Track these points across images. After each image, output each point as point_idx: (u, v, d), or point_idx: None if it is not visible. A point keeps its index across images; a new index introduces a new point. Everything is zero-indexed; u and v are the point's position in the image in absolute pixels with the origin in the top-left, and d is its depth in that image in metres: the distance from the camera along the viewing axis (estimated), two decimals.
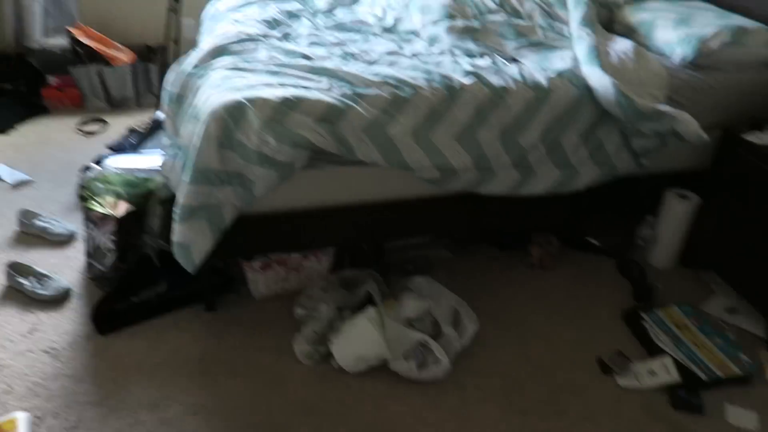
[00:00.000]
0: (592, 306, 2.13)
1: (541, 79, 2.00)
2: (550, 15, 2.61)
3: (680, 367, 1.82)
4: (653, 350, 1.91)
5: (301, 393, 1.73)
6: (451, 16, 2.62)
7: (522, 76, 2.02)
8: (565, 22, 2.51)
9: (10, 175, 2.77)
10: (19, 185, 2.72)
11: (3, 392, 1.69)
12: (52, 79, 3.48)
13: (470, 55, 2.23)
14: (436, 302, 1.86)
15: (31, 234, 2.37)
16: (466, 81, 1.94)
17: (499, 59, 2.17)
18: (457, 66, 2.07)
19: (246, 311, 2.02)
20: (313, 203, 1.92)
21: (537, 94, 1.95)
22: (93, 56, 3.45)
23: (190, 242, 1.79)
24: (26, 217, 2.39)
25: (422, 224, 2.09)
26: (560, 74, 2.03)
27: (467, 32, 2.44)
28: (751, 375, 1.85)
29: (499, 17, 2.60)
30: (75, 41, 3.43)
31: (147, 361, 1.80)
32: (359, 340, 1.76)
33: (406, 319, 1.82)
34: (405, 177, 1.92)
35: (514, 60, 2.19)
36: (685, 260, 2.33)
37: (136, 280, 2.02)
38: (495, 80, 1.96)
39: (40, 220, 2.37)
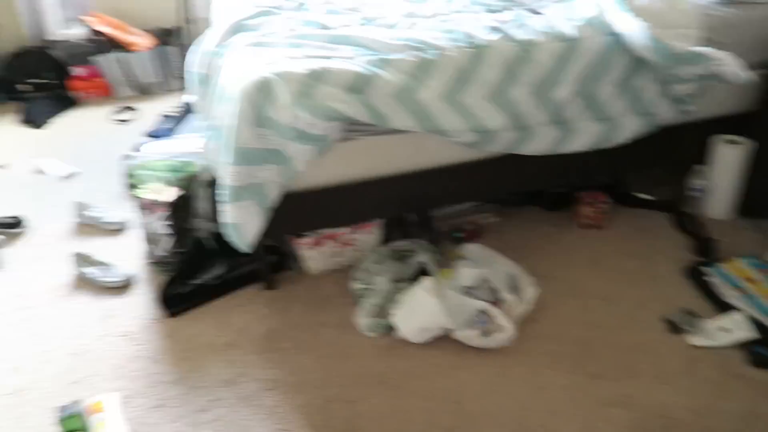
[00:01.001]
0: (650, 264, 2.10)
1: (568, 29, 1.95)
2: None
3: (754, 321, 1.76)
4: (721, 306, 1.86)
5: (369, 365, 1.79)
6: None
7: (548, 27, 1.97)
8: None
9: (57, 168, 2.87)
10: (66, 178, 2.83)
11: (90, 375, 1.83)
12: (77, 70, 3.53)
13: (491, 10, 2.19)
14: (491, 269, 1.89)
15: (87, 224, 2.48)
16: (491, 37, 1.90)
17: (522, 12, 2.12)
18: (479, 23, 2.02)
19: (304, 288, 2.09)
20: (355, 176, 1.95)
21: (565, 45, 1.91)
22: (112, 44, 3.48)
23: (240, 222, 1.85)
24: (80, 208, 2.49)
25: (466, 190, 2.11)
26: (587, 22, 1.97)
27: None
28: None
29: None
30: (93, 30, 3.46)
31: (217, 341, 1.91)
32: (419, 311, 1.80)
33: (464, 287, 1.85)
34: (443, 142, 1.92)
35: (536, 12, 2.15)
36: (744, 210, 2.26)
37: (195, 263, 2.12)
38: (520, 34, 1.92)
39: (93, 211, 2.47)
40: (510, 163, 2.04)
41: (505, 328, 1.77)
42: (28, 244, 2.41)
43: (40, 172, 2.88)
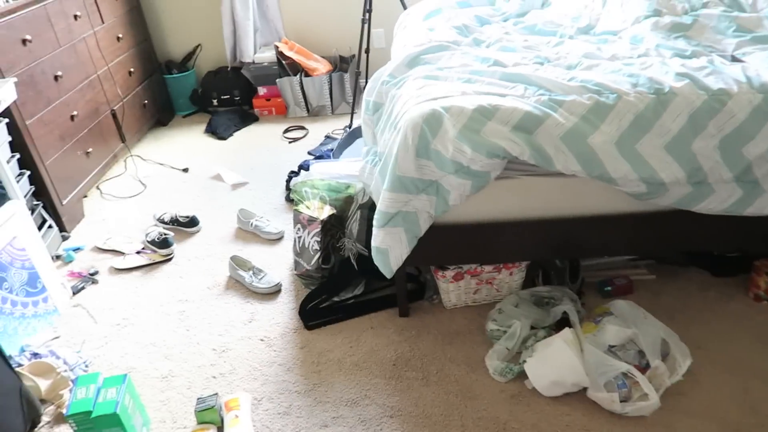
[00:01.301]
0: None
1: None
2: None
3: None
4: None
5: (493, 410, 1.72)
6: (656, 12, 2.43)
7: (746, 77, 1.78)
8: None
9: (230, 177, 3.15)
10: (237, 186, 3.09)
11: (228, 372, 1.94)
12: (262, 90, 3.89)
13: (681, 55, 2.04)
14: (640, 329, 1.73)
15: (247, 231, 2.68)
16: (678, 84, 1.77)
17: (717, 59, 1.95)
18: (666, 68, 1.90)
19: (437, 320, 2.07)
20: (507, 214, 1.89)
21: (766, 97, 1.71)
22: (295, 68, 3.78)
23: (387, 248, 1.87)
24: (244, 216, 2.70)
25: (624, 242, 1.95)
26: None
27: (676, 30, 2.24)
28: None
29: (716, 10, 2.34)
30: (280, 54, 3.79)
31: (347, 359, 1.94)
32: (555, 363, 1.70)
33: (607, 345, 1.72)
34: (606, 190, 1.81)
35: (735, 59, 1.95)
36: None
37: (338, 280, 2.18)
38: (712, 83, 1.76)
39: (254, 219, 2.66)
40: (678, 220, 1.86)
41: (649, 397, 1.60)
42: (196, 242, 2.66)
43: (217, 178, 3.19)
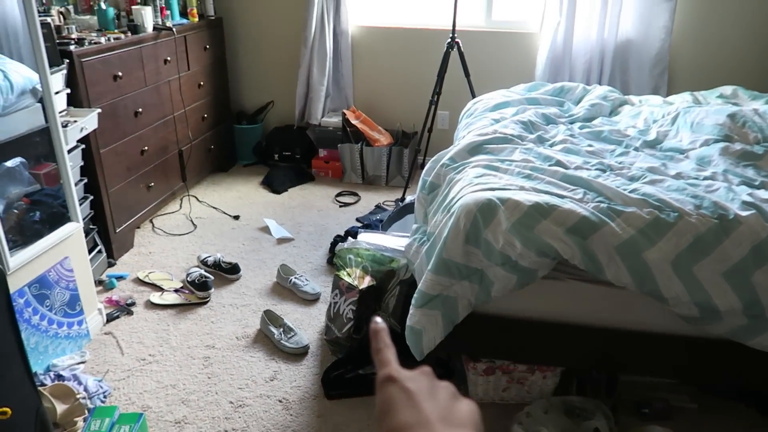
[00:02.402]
0: None
1: None
2: None
3: None
4: None
5: None
6: (727, 138, 2.41)
7: None
8: None
9: (277, 231, 3.20)
10: (282, 241, 3.13)
11: (241, 429, 1.90)
12: (322, 152, 4.01)
13: (749, 184, 2.00)
14: None
15: (284, 287, 2.69)
16: (744, 213, 1.73)
17: None
18: (733, 195, 1.86)
19: None
20: (550, 315, 1.85)
21: None
22: (358, 136, 3.89)
23: (422, 329, 1.84)
24: (284, 272, 2.72)
25: (669, 365, 1.87)
26: None
27: (746, 158, 2.21)
28: None
29: None
30: (346, 121, 3.92)
31: None
32: None
33: None
34: (656, 307, 1.75)
35: None
36: None
37: (366, 353, 2.14)
38: None
39: (294, 277, 2.67)
40: (730, 351, 1.76)
41: None
42: (233, 290, 2.68)
43: (265, 230, 3.25)
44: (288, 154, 4.13)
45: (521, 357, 1.92)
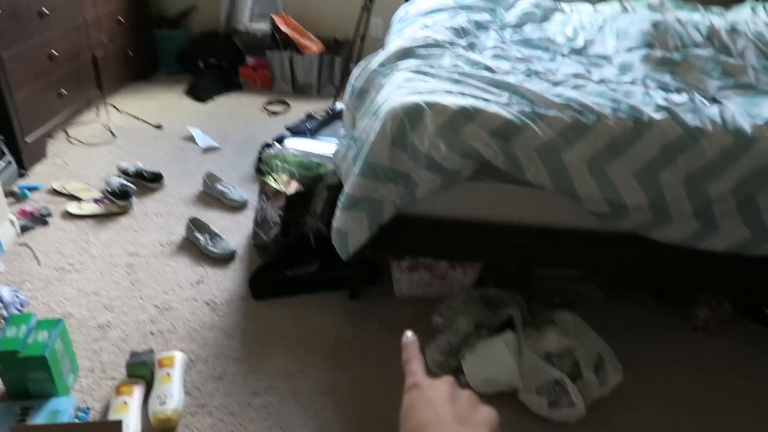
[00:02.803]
0: (759, 388, 1.87)
1: (746, 125, 1.79)
2: (766, 56, 2.35)
3: None
4: None
5: None
6: (649, 45, 2.47)
7: (722, 119, 1.82)
8: None
9: (203, 140, 3.09)
10: (208, 150, 3.04)
11: (168, 331, 1.90)
12: (250, 60, 3.84)
13: (665, 89, 2.07)
14: (579, 342, 1.75)
15: (211, 195, 2.63)
16: (657, 116, 1.80)
17: (698, 97, 1.99)
18: (649, 99, 1.93)
19: (385, 307, 2.06)
20: (470, 215, 1.90)
21: (738, 141, 1.75)
22: (288, 43, 3.74)
23: (348, 230, 1.86)
24: (210, 180, 2.65)
25: (579, 258, 1.98)
26: None
27: (665, 64, 2.28)
28: None
29: (705, 52, 2.40)
30: (275, 28, 3.74)
31: (289, 333, 1.92)
32: (492, 363, 1.71)
33: (545, 352, 1.74)
34: (570, 206, 1.83)
35: (715, 100, 2.00)
36: None
37: (293, 256, 2.16)
38: (690, 119, 1.79)
39: (220, 185, 2.62)
40: (635, 245, 1.89)
41: (576, 406, 1.63)
42: (157, 199, 2.60)
43: (190, 140, 3.13)
44: (214, 61, 3.93)
45: (444, 255, 1.98)
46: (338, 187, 2.18)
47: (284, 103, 3.64)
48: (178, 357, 1.74)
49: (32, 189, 2.62)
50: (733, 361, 1.96)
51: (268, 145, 2.89)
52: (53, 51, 2.86)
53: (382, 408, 1.69)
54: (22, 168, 2.71)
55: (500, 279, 2.12)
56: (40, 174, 2.75)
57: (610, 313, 2.11)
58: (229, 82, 3.83)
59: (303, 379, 1.75)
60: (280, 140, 2.88)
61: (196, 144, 3.07)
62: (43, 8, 2.75)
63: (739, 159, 1.75)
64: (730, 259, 1.88)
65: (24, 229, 2.36)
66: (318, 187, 2.24)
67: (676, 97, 1.98)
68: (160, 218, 2.47)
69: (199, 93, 3.64)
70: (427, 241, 1.94)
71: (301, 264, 2.15)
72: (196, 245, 2.29)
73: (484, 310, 1.93)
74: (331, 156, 2.34)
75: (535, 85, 1.97)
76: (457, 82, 1.95)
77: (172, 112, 3.44)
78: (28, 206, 2.50)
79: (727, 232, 1.83)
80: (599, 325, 1.92)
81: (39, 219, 2.43)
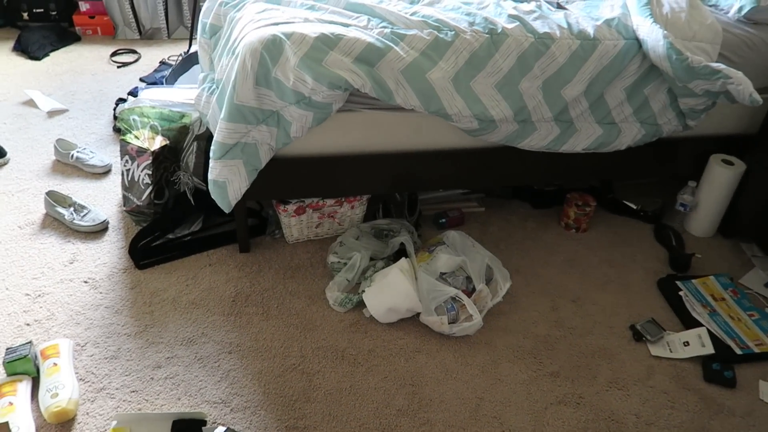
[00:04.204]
0: (626, 272, 2.09)
1: (588, 28, 1.90)
2: None
3: (714, 339, 1.79)
4: (688, 321, 1.88)
5: (332, 340, 1.75)
6: None
7: (568, 23, 1.92)
8: None
9: (45, 102, 2.78)
10: (53, 113, 2.74)
11: (45, 318, 1.76)
12: (84, 6, 3.43)
13: None
14: (469, 257, 1.85)
15: (66, 164, 2.40)
16: (509, 26, 1.85)
17: (545, 5, 2.07)
18: (500, 9, 1.97)
19: (279, 255, 2.04)
20: (349, 148, 1.89)
21: (583, 43, 1.86)
22: None
23: (225, 181, 1.79)
24: (62, 147, 2.41)
25: (458, 177, 2.06)
26: (608, 24, 1.93)
27: None
28: None
29: None
30: None
31: (182, 298, 1.85)
32: (391, 292, 1.76)
33: (439, 273, 1.82)
34: (443, 126, 1.88)
35: (560, 6, 2.09)
36: (726, 230, 2.27)
37: (173, 216, 2.05)
38: (539, 26, 1.87)
39: (76, 151, 2.39)
40: (505, 156, 2.01)
41: (473, 318, 1.75)
42: (3, 176, 2.33)
43: (29, 104, 2.79)
44: (41, 11, 3.46)
45: (328, 192, 1.98)
46: (208, 137, 2.08)
47: (133, 51, 3.33)
48: (63, 344, 1.63)
49: None
50: (600, 250, 2.18)
51: (122, 100, 2.66)
52: None
53: (291, 356, 1.70)
54: None
55: (388, 209, 2.16)
56: None
57: (491, 225, 2.25)
58: (64, 34, 3.42)
59: (206, 342, 1.72)
60: (134, 93, 2.65)
61: (38, 108, 2.75)
62: None
63: (585, 60, 1.87)
64: (588, 158, 2.05)
65: None
66: (186, 139, 2.11)
67: (525, 6, 2.03)
68: (12, 197, 2.22)
69: (30, 49, 3.22)
70: (310, 181, 1.92)
71: (182, 224, 2.05)
72: (60, 221, 2.10)
73: (376, 242, 1.97)
74: (193, 103, 2.20)
75: (392, 5, 1.94)
76: (312, 8, 1.88)
77: (1, 75, 3.03)
78: None
79: (584, 133, 1.98)
80: (484, 238, 2.05)
81: None
